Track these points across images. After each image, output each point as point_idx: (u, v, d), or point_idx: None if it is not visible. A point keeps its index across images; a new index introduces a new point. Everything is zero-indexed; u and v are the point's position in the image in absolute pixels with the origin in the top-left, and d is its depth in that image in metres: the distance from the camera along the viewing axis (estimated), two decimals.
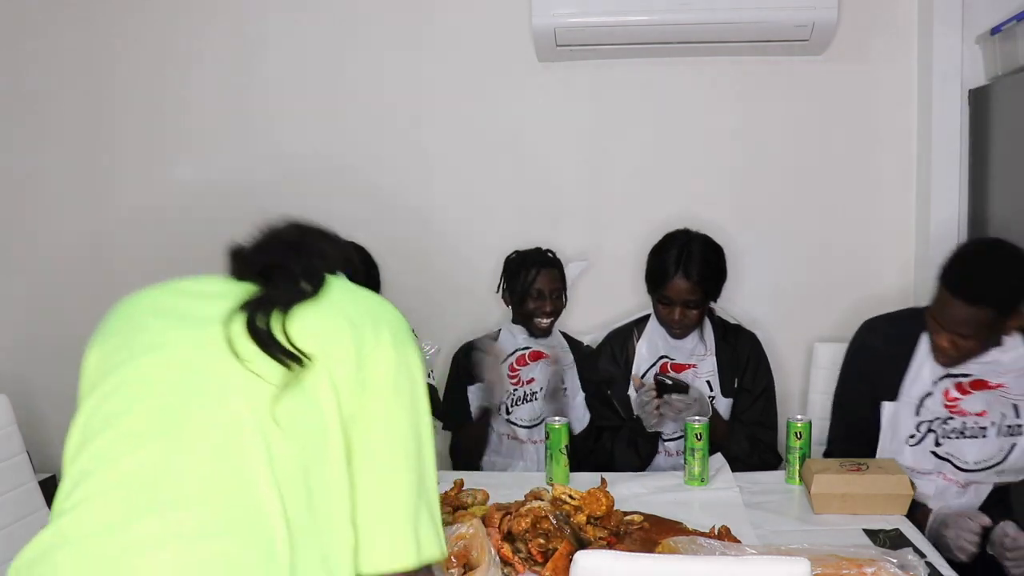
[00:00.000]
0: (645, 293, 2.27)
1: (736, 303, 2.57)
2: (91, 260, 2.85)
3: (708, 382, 2.26)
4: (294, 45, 2.79)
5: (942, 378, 1.89)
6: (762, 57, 2.66)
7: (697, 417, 1.99)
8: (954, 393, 1.88)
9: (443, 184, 2.78)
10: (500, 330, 2.47)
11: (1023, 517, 1.78)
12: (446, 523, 1.60)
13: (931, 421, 1.90)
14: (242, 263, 1.09)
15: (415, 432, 1.03)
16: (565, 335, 2.52)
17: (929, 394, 1.90)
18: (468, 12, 2.73)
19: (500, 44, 2.72)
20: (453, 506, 1.72)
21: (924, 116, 2.60)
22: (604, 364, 2.36)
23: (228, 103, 2.79)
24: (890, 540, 1.63)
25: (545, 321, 2.40)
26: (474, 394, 2.41)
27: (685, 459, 1.97)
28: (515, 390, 2.39)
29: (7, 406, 1.85)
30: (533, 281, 2.37)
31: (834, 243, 2.69)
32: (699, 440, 1.95)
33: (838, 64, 2.65)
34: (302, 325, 0.99)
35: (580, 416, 2.40)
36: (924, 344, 1.92)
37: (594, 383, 2.39)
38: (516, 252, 2.44)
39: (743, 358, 2.28)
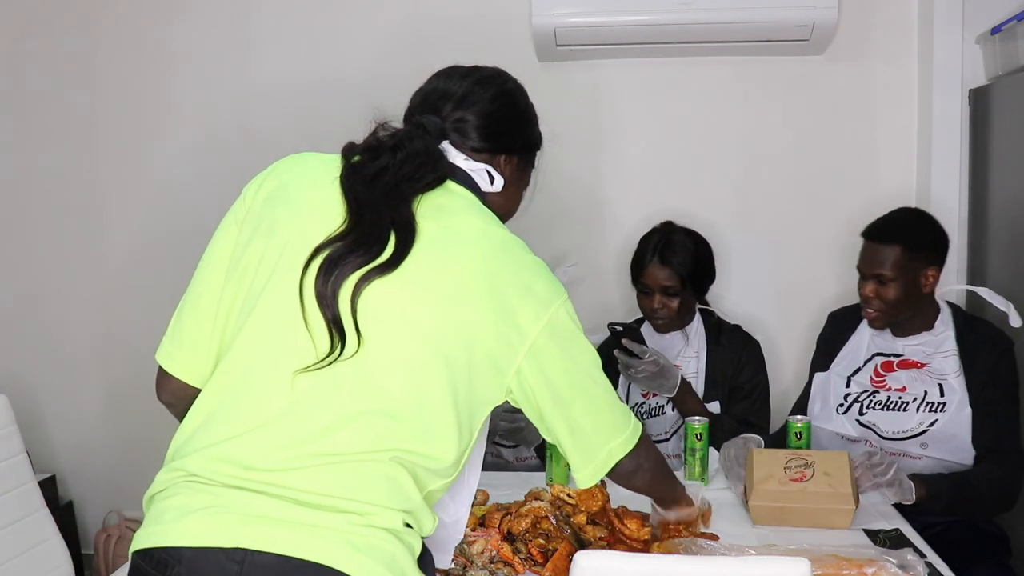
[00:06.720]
0: None
1: (735, 303, 2.57)
2: (89, 261, 2.85)
3: (689, 383, 2.21)
4: (292, 44, 2.78)
5: (874, 356, 2.08)
6: (762, 57, 2.65)
7: (698, 418, 1.98)
8: (882, 371, 2.06)
9: None
10: None
11: None
12: None
13: (859, 393, 2.07)
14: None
15: None
16: None
17: (859, 369, 2.08)
18: (468, 12, 2.73)
19: (500, 44, 2.71)
20: None
21: (924, 116, 2.60)
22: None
23: (224, 105, 2.79)
24: (890, 540, 1.63)
25: None
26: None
27: (685, 459, 1.97)
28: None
29: (7, 406, 1.85)
30: None
31: (834, 242, 2.69)
32: (699, 440, 1.94)
33: (838, 64, 2.65)
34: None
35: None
36: (864, 326, 2.10)
37: None
38: None
39: (735, 361, 2.22)
